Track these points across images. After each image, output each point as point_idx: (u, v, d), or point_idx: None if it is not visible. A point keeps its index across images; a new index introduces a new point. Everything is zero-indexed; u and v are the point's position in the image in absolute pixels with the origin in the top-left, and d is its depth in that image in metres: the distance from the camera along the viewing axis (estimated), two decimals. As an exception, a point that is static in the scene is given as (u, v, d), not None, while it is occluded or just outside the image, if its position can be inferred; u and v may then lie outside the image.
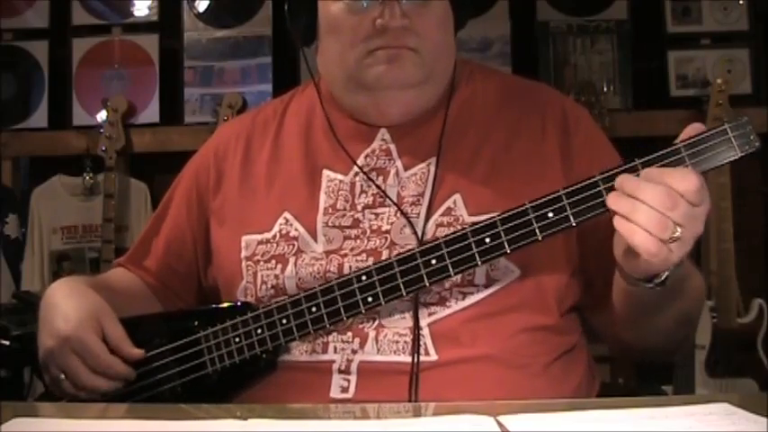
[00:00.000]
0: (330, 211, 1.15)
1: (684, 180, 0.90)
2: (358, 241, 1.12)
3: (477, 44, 2.78)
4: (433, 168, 1.14)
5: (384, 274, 1.04)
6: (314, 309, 1.07)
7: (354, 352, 1.08)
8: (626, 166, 0.94)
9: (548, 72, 2.82)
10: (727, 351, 2.54)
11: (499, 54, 2.80)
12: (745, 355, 2.55)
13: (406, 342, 1.07)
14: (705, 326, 2.53)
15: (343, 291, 1.06)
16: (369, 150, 1.18)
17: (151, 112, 2.87)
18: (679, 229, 0.89)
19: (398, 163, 1.16)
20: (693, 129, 0.95)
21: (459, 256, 1.01)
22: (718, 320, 2.56)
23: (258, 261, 1.15)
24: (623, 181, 0.92)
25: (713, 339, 2.54)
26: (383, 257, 1.08)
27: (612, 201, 0.92)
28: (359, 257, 1.11)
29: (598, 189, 0.95)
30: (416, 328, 1.07)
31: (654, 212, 0.88)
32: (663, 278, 0.96)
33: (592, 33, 2.84)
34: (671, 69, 2.80)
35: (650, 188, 0.89)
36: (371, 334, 1.08)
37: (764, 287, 2.63)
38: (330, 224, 1.14)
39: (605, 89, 2.78)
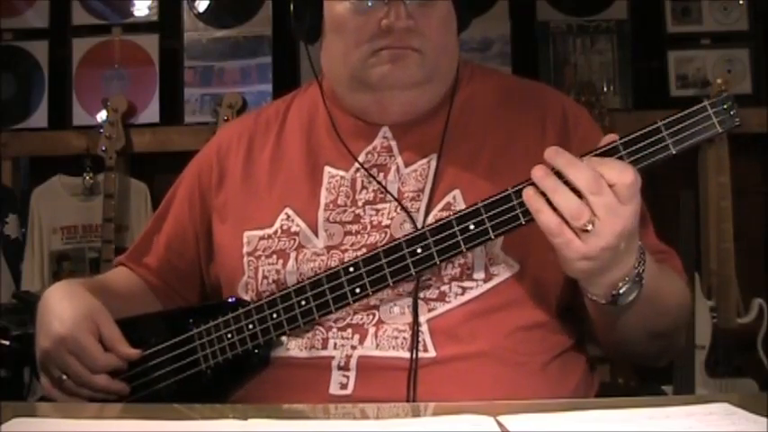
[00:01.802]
0: (331, 206, 1.16)
1: (619, 172, 0.90)
2: (358, 236, 1.13)
3: (478, 44, 2.78)
4: (433, 164, 1.15)
5: (371, 266, 1.05)
6: (303, 302, 1.08)
7: (354, 348, 1.08)
8: (607, 147, 0.95)
9: (548, 72, 2.82)
10: (727, 351, 2.54)
11: (499, 54, 2.80)
12: (745, 355, 2.55)
13: (404, 338, 1.07)
14: (705, 326, 2.53)
15: (331, 283, 1.07)
16: (370, 147, 1.18)
17: (151, 112, 2.87)
18: (595, 222, 0.89)
19: (399, 159, 1.17)
20: (608, 139, 0.95)
21: (444, 244, 1.02)
22: (718, 320, 2.56)
23: (259, 256, 1.16)
24: (556, 155, 0.92)
25: (713, 339, 2.54)
26: None
27: (539, 175, 0.92)
28: (359, 252, 1.11)
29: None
30: (415, 324, 1.07)
31: (574, 198, 0.89)
32: (611, 298, 0.97)
33: (592, 33, 2.84)
34: (671, 69, 2.80)
35: (580, 169, 0.90)
36: (371, 330, 1.08)
37: (764, 287, 2.63)
38: (331, 219, 1.15)
39: (605, 89, 2.79)
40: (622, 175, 0.90)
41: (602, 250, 0.91)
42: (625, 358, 1.25)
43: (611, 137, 0.96)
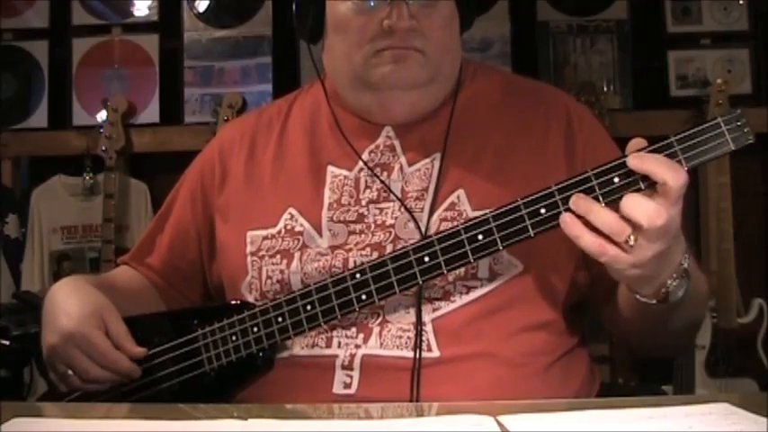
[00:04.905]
0: (335, 206, 1.15)
1: (671, 173, 0.88)
2: (362, 236, 1.12)
3: (478, 44, 2.78)
4: (437, 164, 1.15)
5: (378, 272, 1.04)
6: (309, 307, 1.07)
7: (358, 347, 1.08)
8: (619, 161, 0.94)
9: (548, 72, 2.82)
10: (727, 351, 2.54)
11: (499, 54, 2.80)
12: (745, 355, 2.55)
13: (409, 337, 1.07)
14: (705, 326, 2.53)
15: (337, 288, 1.06)
16: (373, 146, 1.18)
17: (151, 112, 2.86)
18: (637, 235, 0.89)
19: (403, 159, 1.17)
20: (636, 144, 0.95)
21: (452, 254, 1.01)
22: (719, 320, 2.56)
23: (263, 256, 1.16)
24: (582, 202, 0.92)
25: (713, 339, 2.54)
26: (387, 252, 1.08)
27: (573, 199, 0.92)
28: (363, 252, 1.11)
29: (590, 185, 0.94)
30: (419, 323, 1.07)
31: (611, 215, 0.89)
32: (662, 296, 0.97)
33: (592, 33, 2.84)
34: (671, 69, 2.80)
35: (604, 214, 0.90)
36: (375, 329, 1.08)
37: (764, 287, 2.63)
38: (335, 219, 1.14)
39: (605, 89, 2.78)
40: (675, 176, 0.88)
41: (651, 258, 0.91)
42: (643, 351, 1.25)
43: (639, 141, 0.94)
